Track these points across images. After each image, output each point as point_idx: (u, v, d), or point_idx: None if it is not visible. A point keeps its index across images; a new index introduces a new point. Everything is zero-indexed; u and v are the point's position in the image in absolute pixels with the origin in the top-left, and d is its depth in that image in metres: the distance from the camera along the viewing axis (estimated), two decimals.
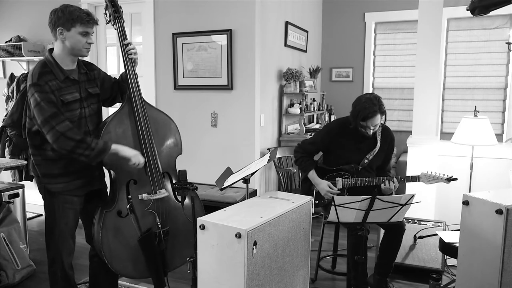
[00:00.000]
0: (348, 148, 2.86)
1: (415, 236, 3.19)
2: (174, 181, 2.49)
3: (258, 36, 4.07)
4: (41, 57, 2.25)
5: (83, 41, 2.18)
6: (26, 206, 3.55)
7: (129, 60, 2.42)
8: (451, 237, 2.73)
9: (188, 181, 2.30)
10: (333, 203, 2.23)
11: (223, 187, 2.40)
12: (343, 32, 6.01)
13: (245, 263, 1.75)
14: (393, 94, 5.87)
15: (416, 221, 3.31)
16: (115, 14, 2.45)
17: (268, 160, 2.46)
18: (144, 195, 2.34)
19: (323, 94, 5.76)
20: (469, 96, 5.42)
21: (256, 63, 4.06)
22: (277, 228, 1.95)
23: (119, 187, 2.33)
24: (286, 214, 2.01)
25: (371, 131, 2.74)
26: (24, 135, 2.36)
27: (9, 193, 3.34)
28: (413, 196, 2.25)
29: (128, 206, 2.28)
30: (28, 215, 4.09)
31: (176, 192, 2.44)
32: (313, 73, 5.38)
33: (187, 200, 2.46)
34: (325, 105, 5.71)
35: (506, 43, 4.35)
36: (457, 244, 2.39)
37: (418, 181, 2.74)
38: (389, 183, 2.74)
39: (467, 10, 2.66)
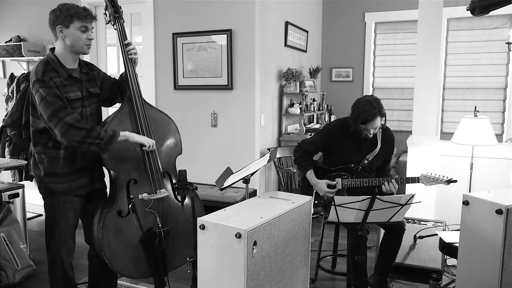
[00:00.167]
0: (348, 149, 2.86)
1: (415, 236, 3.19)
2: (174, 181, 2.49)
3: (258, 36, 4.07)
4: (41, 57, 2.25)
5: (83, 37, 2.19)
6: (26, 206, 3.55)
7: (129, 60, 2.43)
8: (451, 237, 2.72)
9: (188, 181, 2.30)
10: (333, 203, 2.23)
11: (223, 187, 2.40)
12: (343, 32, 6.01)
13: (245, 263, 1.75)
14: (393, 94, 5.87)
15: (416, 221, 3.31)
16: (115, 14, 2.45)
17: (268, 160, 2.46)
18: (145, 194, 2.34)
19: (323, 94, 5.76)
20: (469, 96, 5.42)
21: (256, 63, 4.06)
22: (277, 228, 1.95)
23: (119, 187, 2.33)
24: (286, 214, 2.01)
25: (371, 133, 2.74)
26: (25, 135, 2.36)
27: (9, 193, 3.34)
28: (413, 196, 2.25)
29: (130, 206, 2.28)
30: (28, 215, 4.09)
31: (176, 192, 2.44)
32: (313, 73, 5.38)
33: (187, 200, 2.46)
34: (325, 105, 5.71)
35: (506, 43, 4.35)
36: (457, 244, 2.39)
37: (418, 182, 2.73)
38: (388, 184, 2.73)
39: (467, 10, 2.66)
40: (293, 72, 4.61)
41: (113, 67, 4.79)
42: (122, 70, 2.47)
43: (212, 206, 3.40)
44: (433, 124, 3.63)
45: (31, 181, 4.15)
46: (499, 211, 2.05)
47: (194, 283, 2.18)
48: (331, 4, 6.04)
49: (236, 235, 1.74)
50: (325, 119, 5.55)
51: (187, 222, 2.45)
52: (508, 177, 3.39)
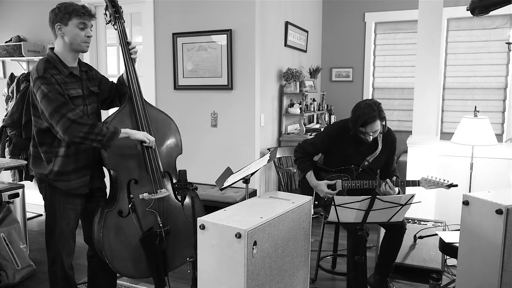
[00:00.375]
0: (348, 151, 2.85)
1: (415, 236, 3.19)
2: (174, 181, 2.49)
3: (258, 36, 4.07)
4: (41, 57, 2.26)
5: (82, 35, 2.19)
6: (26, 206, 3.55)
7: (131, 59, 2.43)
8: (451, 237, 2.72)
9: (188, 181, 2.30)
10: (333, 203, 2.23)
11: (223, 187, 2.40)
12: (343, 32, 6.01)
13: (245, 263, 1.75)
14: (393, 94, 5.87)
15: (416, 221, 3.31)
16: (116, 14, 2.45)
17: (268, 160, 2.46)
18: (145, 194, 2.34)
19: (323, 94, 5.76)
20: (469, 96, 5.42)
21: (256, 63, 4.06)
22: (277, 228, 1.95)
23: (120, 186, 2.33)
24: (286, 214, 2.01)
25: (371, 137, 2.72)
26: (25, 135, 2.36)
27: (9, 193, 3.34)
28: (413, 196, 2.25)
29: (130, 205, 2.28)
30: (28, 215, 4.09)
31: (176, 192, 2.44)
32: (313, 73, 5.38)
33: (187, 200, 2.46)
34: (325, 105, 5.71)
35: (506, 43, 4.35)
36: (457, 244, 2.39)
37: (418, 185, 2.72)
38: (385, 186, 2.72)
39: (467, 10, 2.66)
40: (293, 72, 4.61)
41: (113, 67, 4.79)
42: (122, 70, 2.47)
43: (212, 206, 3.40)
44: (433, 124, 3.63)
45: (31, 181, 4.15)
46: (499, 211, 2.05)
47: (194, 283, 2.18)
48: (331, 4, 6.04)
49: (236, 235, 1.74)
50: (325, 119, 5.55)
51: (187, 222, 2.45)
52: (508, 177, 3.40)
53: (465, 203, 2.24)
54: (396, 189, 2.77)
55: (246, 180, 2.41)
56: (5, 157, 4.00)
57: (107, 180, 2.49)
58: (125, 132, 2.24)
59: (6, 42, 4.91)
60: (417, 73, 3.65)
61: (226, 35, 4.07)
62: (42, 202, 2.32)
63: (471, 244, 2.24)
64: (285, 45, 4.86)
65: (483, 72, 5.32)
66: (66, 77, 2.19)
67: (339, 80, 6.10)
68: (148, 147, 2.35)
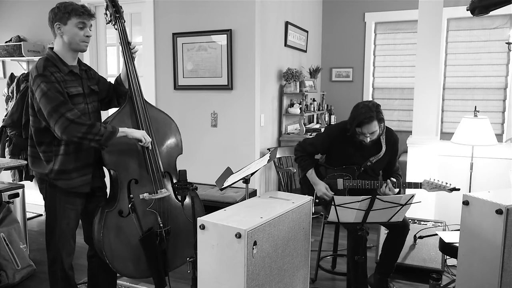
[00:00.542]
0: (349, 152, 2.83)
1: (415, 236, 3.19)
2: (174, 181, 2.49)
3: (258, 36, 4.07)
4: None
5: (80, 34, 2.19)
6: (26, 206, 3.55)
7: (131, 59, 2.43)
8: (451, 237, 2.72)
9: (188, 181, 2.30)
10: (333, 203, 2.23)
11: (223, 187, 2.40)
12: (343, 32, 6.01)
13: (245, 263, 1.75)
14: (393, 94, 5.87)
15: (416, 221, 3.31)
16: (116, 14, 2.45)
17: (268, 160, 2.46)
18: (146, 194, 2.34)
19: (323, 94, 5.76)
20: (469, 96, 5.42)
21: (256, 63, 4.06)
22: (277, 228, 1.95)
23: (120, 186, 2.33)
24: (286, 214, 2.01)
25: (368, 138, 2.69)
26: (25, 135, 2.35)
27: (9, 193, 3.35)
28: (413, 196, 2.25)
29: (130, 205, 2.28)
30: (28, 215, 4.09)
31: (176, 192, 2.44)
32: (313, 73, 5.38)
33: (187, 200, 2.46)
34: (325, 105, 5.71)
35: (506, 43, 4.35)
36: (457, 244, 2.39)
37: (420, 188, 2.72)
38: (384, 188, 2.72)
39: (467, 10, 2.66)
40: (293, 72, 4.61)
41: (113, 67, 4.79)
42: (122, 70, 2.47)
43: (212, 206, 3.40)
44: (433, 124, 3.63)
45: (31, 181, 4.14)
46: (499, 211, 2.05)
47: (194, 283, 2.18)
48: (331, 4, 6.04)
49: (236, 235, 1.74)
50: (325, 119, 5.55)
51: (187, 222, 2.45)
52: (508, 177, 3.40)
53: (465, 203, 2.24)
54: (396, 190, 2.77)
55: (246, 180, 2.41)
56: (5, 157, 4.00)
57: (107, 180, 2.49)
58: (123, 131, 2.24)
59: (6, 42, 4.91)
60: (417, 73, 3.66)
61: (226, 35, 4.07)
62: (42, 202, 2.31)
63: (471, 244, 2.24)
64: (285, 45, 4.86)
65: (483, 72, 5.32)
66: (66, 75, 2.19)
67: (339, 80, 6.10)
68: (146, 147, 2.35)
